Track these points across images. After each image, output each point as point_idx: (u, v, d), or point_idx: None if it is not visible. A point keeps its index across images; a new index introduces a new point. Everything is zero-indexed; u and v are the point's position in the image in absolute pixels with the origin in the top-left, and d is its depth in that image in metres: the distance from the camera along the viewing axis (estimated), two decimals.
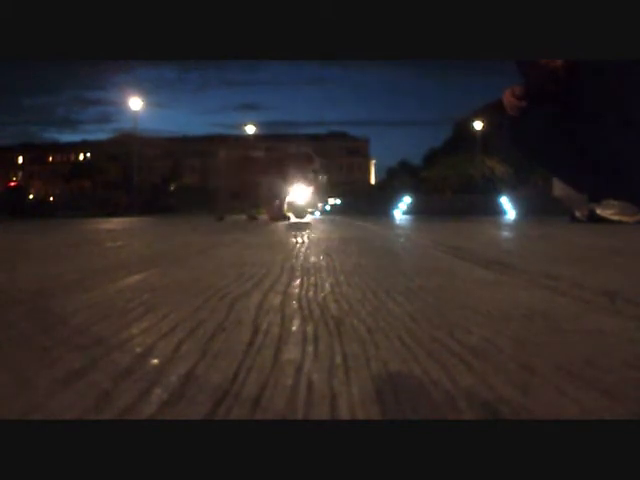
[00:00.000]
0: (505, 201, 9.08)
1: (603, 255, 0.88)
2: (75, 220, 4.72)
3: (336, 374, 0.24)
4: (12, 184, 29.21)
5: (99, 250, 1.06)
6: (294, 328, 0.33)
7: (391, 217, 5.76)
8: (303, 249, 1.01)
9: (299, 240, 1.31)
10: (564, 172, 2.31)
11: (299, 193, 3.88)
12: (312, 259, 0.80)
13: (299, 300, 0.44)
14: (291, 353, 0.28)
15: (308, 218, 4.20)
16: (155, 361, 0.26)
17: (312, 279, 0.57)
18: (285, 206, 3.85)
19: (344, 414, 0.20)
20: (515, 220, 4.01)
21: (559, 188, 2.43)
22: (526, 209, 7.67)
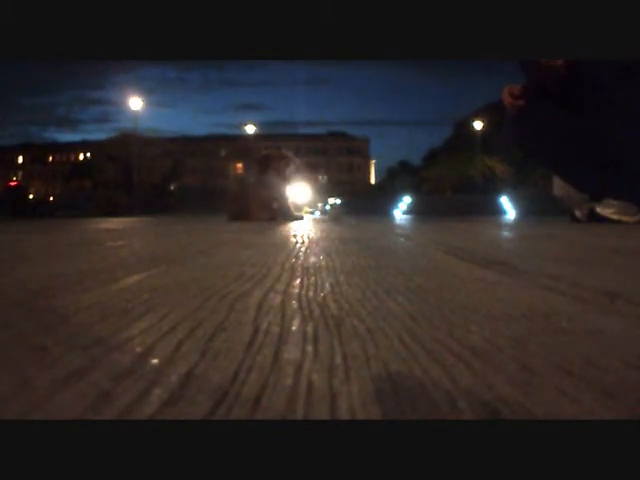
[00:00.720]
0: (505, 201, 9.08)
1: (603, 255, 0.88)
2: (75, 220, 4.71)
3: (336, 374, 0.24)
4: (12, 184, 29.19)
5: (99, 250, 1.06)
6: (294, 328, 0.33)
7: (391, 217, 5.75)
8: (303, 249, 1.01)
9: (299, 240, 1.31)
10: (565, 170, 2.31)
11: (298, 193, 3.86)
12: (312, 259, 0.80)
13: (299, 300, 0.44)
14: (291, 353, 0.28)
15: (308, 218, 4.19)
16: (155, 361, 0.26)
17: (312, 279, 0.57)
18: (290, 206, 3.81)
19: (344, 414, 0.20)
20: (515, 220, 4.01)
21: (559, 187, 2.42)
22: (526, 209, 7.67)
